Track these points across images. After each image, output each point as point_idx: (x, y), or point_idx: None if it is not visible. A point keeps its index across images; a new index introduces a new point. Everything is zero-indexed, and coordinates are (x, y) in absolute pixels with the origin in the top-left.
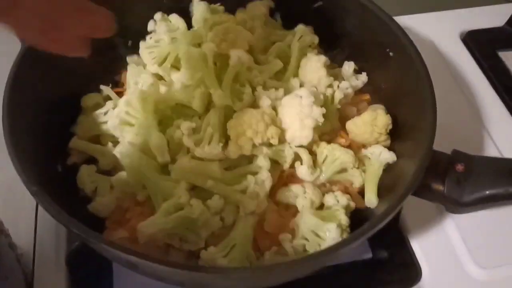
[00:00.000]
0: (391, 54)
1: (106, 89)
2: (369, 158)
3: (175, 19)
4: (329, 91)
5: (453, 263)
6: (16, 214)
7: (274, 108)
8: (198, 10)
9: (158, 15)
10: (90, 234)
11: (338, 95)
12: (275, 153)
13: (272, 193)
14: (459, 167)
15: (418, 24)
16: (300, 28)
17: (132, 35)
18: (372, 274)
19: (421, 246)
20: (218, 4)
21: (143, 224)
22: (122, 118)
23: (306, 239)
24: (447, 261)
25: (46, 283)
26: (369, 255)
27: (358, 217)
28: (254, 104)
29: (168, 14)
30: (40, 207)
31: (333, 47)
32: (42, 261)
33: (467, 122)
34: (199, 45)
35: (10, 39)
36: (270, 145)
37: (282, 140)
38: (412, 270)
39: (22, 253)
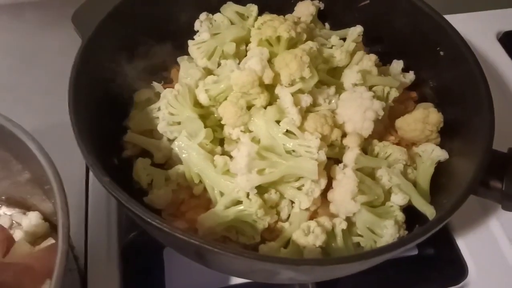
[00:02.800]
0: (441, 53)
1: (157, 86)
2: (420, 156)
3: (219, 17)
4: (386, 89)
5: (499, 261)
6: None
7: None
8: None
9: (203, 15)
10: (162, 222)
11: (393, 93)
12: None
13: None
14: None
15: (455, 24)
16: (352, 29)
17: (181, 35)
18: (419, 271)
19: (467, 244)
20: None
21: (203, 216)
22: (168, 119)
23: (360, 235)
24: (493, 259)
25: (100, 276)
26: (415, 251)
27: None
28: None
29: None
30: (90, 205)
31: (380, 45)
32: (94, 255)
33: (505, 119)
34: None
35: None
36: (330, 145)
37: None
38: (459, 268)
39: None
